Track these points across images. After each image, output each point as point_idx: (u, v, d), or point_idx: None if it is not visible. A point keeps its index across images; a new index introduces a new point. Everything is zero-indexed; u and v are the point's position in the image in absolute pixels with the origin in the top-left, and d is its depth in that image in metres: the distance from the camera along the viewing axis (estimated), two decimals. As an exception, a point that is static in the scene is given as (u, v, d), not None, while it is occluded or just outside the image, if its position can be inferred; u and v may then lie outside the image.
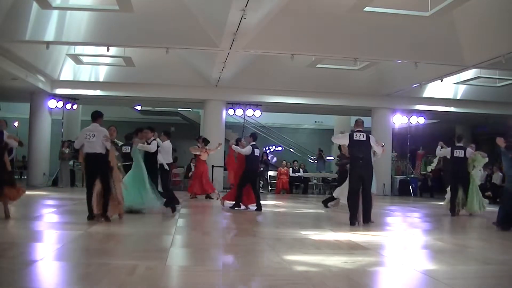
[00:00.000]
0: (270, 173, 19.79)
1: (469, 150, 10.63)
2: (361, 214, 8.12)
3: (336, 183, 12.98)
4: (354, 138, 8.22)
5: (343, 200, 9.64)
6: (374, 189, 8.90)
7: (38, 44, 12.32)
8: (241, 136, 14.44)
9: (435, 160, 12.18)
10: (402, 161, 21.02)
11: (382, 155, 9.29)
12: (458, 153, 10.56)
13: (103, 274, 4.08)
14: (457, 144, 10.78)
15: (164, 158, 9.79)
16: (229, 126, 20.44)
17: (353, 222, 8.00)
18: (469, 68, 13.78)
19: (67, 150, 16.70)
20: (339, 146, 11.63)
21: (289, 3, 10.37)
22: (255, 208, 10.29)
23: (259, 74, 16.18)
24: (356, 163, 8.25)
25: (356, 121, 8.60)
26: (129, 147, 9.38)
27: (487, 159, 10.79)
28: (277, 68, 15.58)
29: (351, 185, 8.26)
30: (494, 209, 12.69)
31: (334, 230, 7.42)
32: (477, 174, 11.01)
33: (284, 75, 16.04)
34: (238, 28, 10.50)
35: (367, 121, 19.25)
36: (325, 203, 11.90)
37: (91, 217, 7.39)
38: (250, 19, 9.97)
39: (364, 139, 8.18)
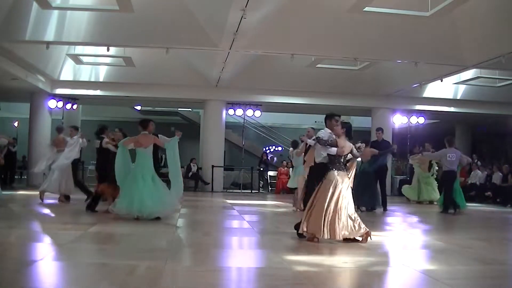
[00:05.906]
0: (270, 173, 19.79)
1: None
2: None
3: None
4: None
5: None
6: None
7: (38, 44, 12.30)
8: (242, 136, 14.32)
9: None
10: (402, 161, 20.99)
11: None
12: None
13: (103, 274, 4.08)
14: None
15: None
16: (229, 126, 20.42)
17: None
18: (469, 68, 13.77)
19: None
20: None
21: (289, 3, 10.37)
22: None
23: (259, 74, 16.16)
24: None
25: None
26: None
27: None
28: (277, 68, 15.56)
29: None
30: (493, 208, 12.83)
31: (334, 230, 7.40)
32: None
33: (284, 75, 16.02)
34: (238, 28, 10.49)
35: (367, 121, 19.50)
36: None
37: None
38: (250, 19, 9.97)
39: None
